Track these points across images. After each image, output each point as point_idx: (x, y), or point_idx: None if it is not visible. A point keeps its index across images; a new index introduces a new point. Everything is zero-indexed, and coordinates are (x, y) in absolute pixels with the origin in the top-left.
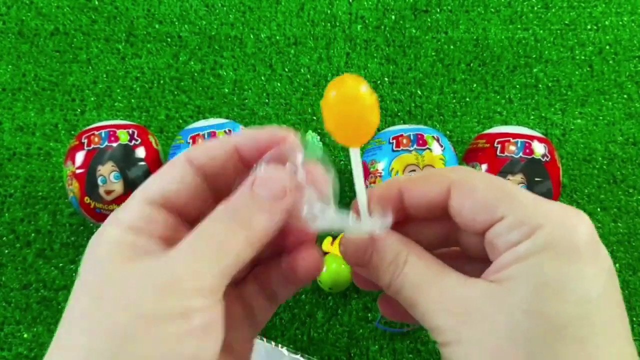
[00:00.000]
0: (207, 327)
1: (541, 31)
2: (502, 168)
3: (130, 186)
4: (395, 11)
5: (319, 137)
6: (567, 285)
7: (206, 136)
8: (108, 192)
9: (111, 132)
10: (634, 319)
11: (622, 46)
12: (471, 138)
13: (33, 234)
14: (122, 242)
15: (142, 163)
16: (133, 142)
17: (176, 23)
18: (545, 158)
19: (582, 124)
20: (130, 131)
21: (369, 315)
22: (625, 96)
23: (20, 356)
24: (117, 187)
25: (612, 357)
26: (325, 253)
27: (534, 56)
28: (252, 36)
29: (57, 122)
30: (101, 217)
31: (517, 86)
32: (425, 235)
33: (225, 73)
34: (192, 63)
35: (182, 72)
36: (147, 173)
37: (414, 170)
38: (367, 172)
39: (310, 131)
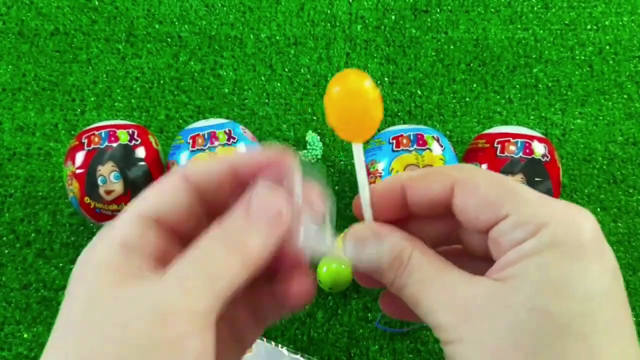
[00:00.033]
0: (200, 355)
1: (541, 31)
2: (502, 168)
3: (130, 186)
4: (395, 11)
5: (319, 137)
6: (571, 283)
7: (206, 136)
8: (108, 192)
9: (111, 132)
10: (635, 319)
11: (622, 46)
12: (471, 138)
13: (33, 234)
14: (113, 263)
15: (142, 163)
16: (133, 142)
17: (176, 23)
18: (545, 158)
19: (582, 124)
20: (130, 131)
21: (369, 315)
22: (625, 96)
23: (20, 356)
24: (117, 187)
25: (615, 356)
26: None
27: (534, 56)
28: (252, 36)
29: (57, 122)
30: (101, 217)
31: (517, 86)
32: (427, 233)
33: (225, 73)
34: (192, 63)
35: (182, 72)
36: (147, 173)
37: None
38: (367, 173)
39: (310, 131)
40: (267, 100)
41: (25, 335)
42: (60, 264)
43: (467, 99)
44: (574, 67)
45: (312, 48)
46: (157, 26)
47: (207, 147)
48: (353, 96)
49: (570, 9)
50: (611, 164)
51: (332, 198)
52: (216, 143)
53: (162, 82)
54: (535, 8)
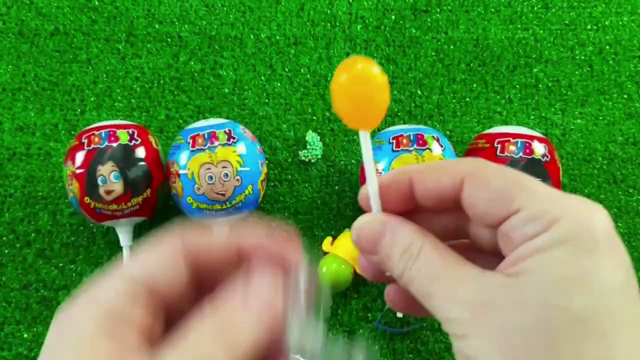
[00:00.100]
0: None
1: (541, 31)
2: None
3: (130, 186)
4: (395, 11)
5: (319, 137)
6: (586, 278)
7: (206, 136)
8: (108, 192)
9: (111, 132)
10: None
11: (622, 46)
12: (471, 138)
13: (33, 234)
14: (98, 337)
15: (142, 163)
16: (133, 142)
17: (176, 23)
18: (545, 158)
19: (582, 124)
20: (130, 131)
21: (369, 315)
22: (625, 96)
23: (20, 356)
24: (117, 187)
25: (633, 353)
26: (325, 253)
27: (534, 56)
28: (252, 36)
29: (57, 122)
30: (101, 216)
31: (517, 86)
32: (434, 227)
33: (225, 73)
34: (192, 63)
35: (182, 72)
36: (147, 173)
37: None
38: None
39: (310, 131)
40: (267, 100)
41: (25, 335)
42: (60, 264)
43: (467, 99)
44: (574, 67)
45: (312, 48)
46: (157, 26)
47: (207, 147)
48: (361, 82)
49: (570, 9)
50: (611, 164)
51: (328, 293)
52: (216, 143)
53: (162, 82)
54: (535, 8)
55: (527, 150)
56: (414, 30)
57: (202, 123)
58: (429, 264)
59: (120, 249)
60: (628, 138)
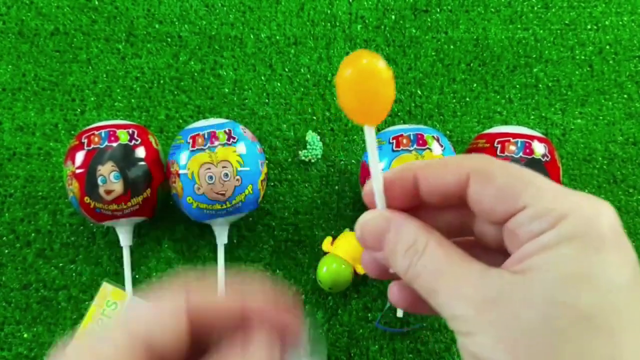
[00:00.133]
0: None
1: (541, 31)
2: None
3: (130, 186)
4: (395, 11)
5: (319, 137)
6: (593, 275)
7: (206, 136)
8: (108, 192)
9: (111, 132)
10: None
11: (622, 46)
12: (471, 138)
13: (33, 234)
14: None
15: (142, 163)
16: (133, 142)
17: (176, 23)
18: (545, 158)
19: (582, 123)
20: (130, 131)
21: (369, 315)
22: (625, 96)
23: (20, 356)
24: (117, 187)
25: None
26: (325, 253)
27: (534, 56)
28: (252, 36)
29: (57, 122)
30: (101, 216)
31: (517, 86)
32: (438, 224)
33: (225, 73)
34: (192, 63)
35: (182, 72)
36: (147, 173)
37: None
38: (367, 173)
39: (310, 131)
40: (267, 100)
41: (25, 335)
42: (60, 264)
43: (467, 99)
44: (574, 67)
45: (312, 48)
46: (157, 26)
47: (207, 146)
48: (366, 76)
49: (570, 9)
50: (611, 164)
51: (323, 339)
52: (216, 143)
53: (162, 82)
54: (535, 8)
55: (527, 150)
56: (414, 30)
57: (202, 123)
58: (434, 260)
59: (120, 249)
60: (628, 138)
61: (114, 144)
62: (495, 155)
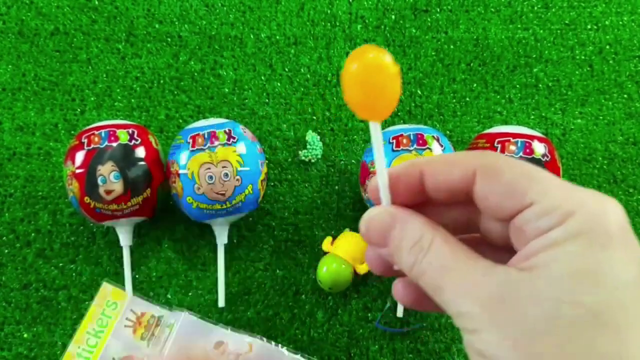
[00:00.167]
0: None
1: (541, 31)
2: None
3: (130, 186)
4: (395, 11)
5: (319, 137)
6: (599, 272)
7: (206, 136)
8: (108, 192)
9: (111, 132)
10: None
11: (622, 46)
12: (471, 138)
13: (33, 234)
14: None
15: (142, 163)
16: (133, 141)
17: (176, 23)
18: (545, 158)
19: (582, 123)
20: (130, 131)
21: (369, 315)
22: (625, 96)
23: (20, 356)
24: (117, 187)
25: None
26: (325, 253)
27: (534, 56)
28: (252, 36)
29: (57, 122)
30: (101, 216)
31: (517, 86)
32: (444, 220)
33: (225, 73)
34: (192, 63)
35: (182, 72)
36: (147, 173)
37: None
38: (367, 173)
39: (310, 131)
40: (267, 100)
41: (25, 335)
42: (60, 264)
43: (467, 99)
44: (574, 67)
45: (312, 48)
46: (157, 26)
47: (207, 146)
48: (373, 71)
49: (570, 9)
50: (611, 164)
51: None
52: (216, 143)
53: (162, 81)
54: (535, 8)
55: (527, 150)
56: (414, 30)
57: (202, 123)
58: (440, 257)
59: (120, 249)
60: (628, 138)
61: (114, 144)
62: None
